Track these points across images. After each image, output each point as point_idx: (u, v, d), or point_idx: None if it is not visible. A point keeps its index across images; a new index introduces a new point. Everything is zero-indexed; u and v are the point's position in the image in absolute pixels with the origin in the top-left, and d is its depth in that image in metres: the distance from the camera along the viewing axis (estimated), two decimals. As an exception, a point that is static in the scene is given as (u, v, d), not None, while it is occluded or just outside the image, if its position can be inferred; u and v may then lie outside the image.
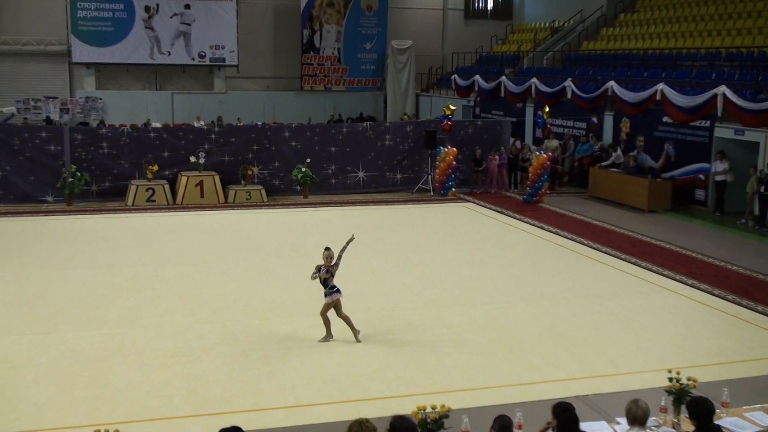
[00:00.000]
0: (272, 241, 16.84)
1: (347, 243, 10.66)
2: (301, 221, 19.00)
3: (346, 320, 10.71)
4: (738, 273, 14.65)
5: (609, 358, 10.33)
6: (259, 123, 26.42)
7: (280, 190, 22.31)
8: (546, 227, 18.45)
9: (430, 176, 23.09)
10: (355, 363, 9.99)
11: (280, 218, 19.42)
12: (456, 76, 32.78)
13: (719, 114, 19.72)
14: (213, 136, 22.00)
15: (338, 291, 10.59)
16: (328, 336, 10.75)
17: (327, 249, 10.56)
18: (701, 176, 20.69)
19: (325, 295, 10.57)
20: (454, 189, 22.64)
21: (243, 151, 21.98)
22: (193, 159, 21.15)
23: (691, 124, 20.75)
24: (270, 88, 37.18)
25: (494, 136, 24.25)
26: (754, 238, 17.84)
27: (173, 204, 20.73)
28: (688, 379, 7.17)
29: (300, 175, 21.69)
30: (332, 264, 10.49)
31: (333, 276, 10.54)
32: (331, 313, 10.66)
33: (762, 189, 18.64)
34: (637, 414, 6.08)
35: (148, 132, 22.05)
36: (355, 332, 10.74)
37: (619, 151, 22.55)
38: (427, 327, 11.42)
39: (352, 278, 13.91)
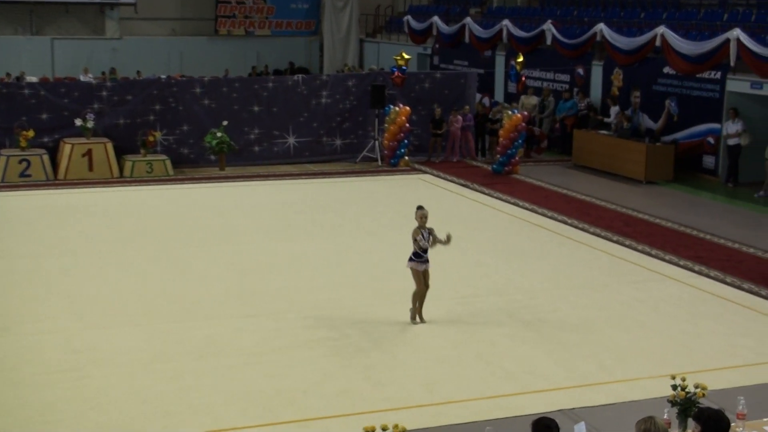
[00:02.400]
0: (181, 225, 16.69)
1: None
2: (218, 199, 18.88)
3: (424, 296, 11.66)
4: (755, 257, 14.93)
5: (600, 362, 10.45)
6: (163, 76, 26.10)
7: (189, 161, 22.12)
8: (521, 203, 18.57)
9: (377, 142, 23.07)
10: (289, 374, 9.97)
11: (190, 196, 19.28)
12: (409, 17, 32.68)
13: (732, 63, 19.98)
14: (104, 93, 21.69)
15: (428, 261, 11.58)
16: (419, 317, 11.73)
17: (420, 208, 11.45)
18: (710, 139, 20.96)
19: (424, 262, 11.47)
20: (407, 157, 22.64)
21: (143, 112, 21.71)
22: (79, 122, 20.83)
23: (698, 75, 20.99)
24: (177, 32, 36.73)
25: (457, 91, 24.28)
26: (773, 214, 18.21)
27: (54, 179, 20.45)
28: (696, 387, 7.28)
29: (215, 142, 21.50)
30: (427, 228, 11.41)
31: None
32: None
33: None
34: None
35: (21, 88, 21.69)
36: (420, 316, 11.69)
37: (618, 108, 22.54)
38: (375, 328, 11.43)
39: (278, 270, 13.87)
